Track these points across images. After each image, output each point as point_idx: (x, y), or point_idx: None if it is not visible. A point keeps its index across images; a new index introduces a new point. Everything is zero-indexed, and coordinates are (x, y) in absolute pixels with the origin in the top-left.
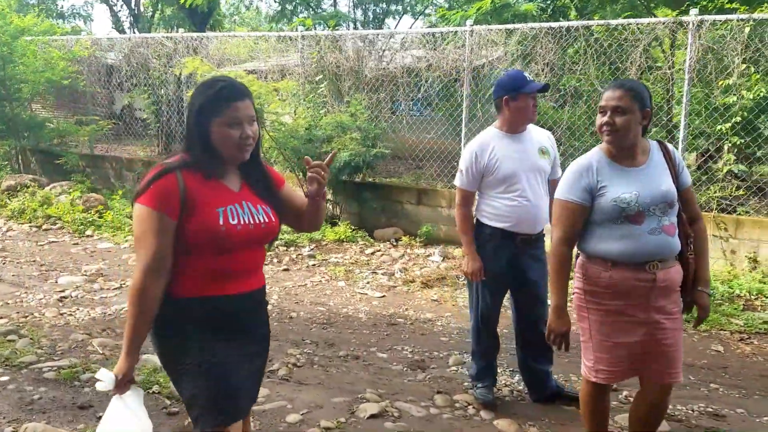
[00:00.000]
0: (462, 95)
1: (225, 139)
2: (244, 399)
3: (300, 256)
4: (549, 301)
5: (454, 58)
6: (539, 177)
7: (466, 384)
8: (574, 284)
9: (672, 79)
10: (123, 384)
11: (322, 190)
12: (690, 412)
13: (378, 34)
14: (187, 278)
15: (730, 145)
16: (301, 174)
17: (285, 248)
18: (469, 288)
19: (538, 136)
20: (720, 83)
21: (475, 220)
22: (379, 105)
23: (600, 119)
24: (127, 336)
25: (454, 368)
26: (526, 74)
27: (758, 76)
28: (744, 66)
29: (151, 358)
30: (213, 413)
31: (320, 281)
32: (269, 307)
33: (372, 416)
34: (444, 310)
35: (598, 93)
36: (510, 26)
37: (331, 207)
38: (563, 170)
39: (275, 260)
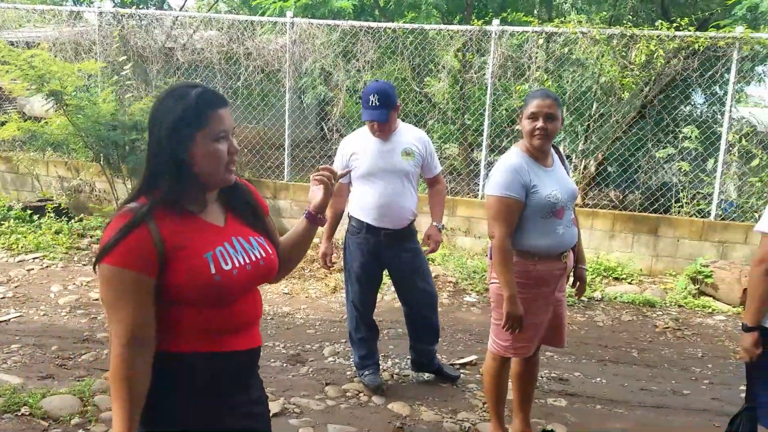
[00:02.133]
0: (285, 87)
1: (212, 157)
2: None
3: None
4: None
5: (276, 48)
6: (400, 176)
7: (349, 373)
8: (494, 276)
9: (477, 84)
10: None
11: (326, 206)
12: (540, 377)
13: (190, 17)
14: (177, 333)
15: None
16: (104, 163)
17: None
18: (345, 281)
19: (406, 137)
20: (517, 88)
21: (347, 214)
22: None
23: (532, 124)
24: (121, 426)
25: (331, 359)
26: (372, 97)
27: (550, 82)
28: (538, 73)
29: (4, 378)
30: None
31: None
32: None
33: (275, 415)
34: (298, 302)
35: (413, 91)
36: (331, 22)
37: None
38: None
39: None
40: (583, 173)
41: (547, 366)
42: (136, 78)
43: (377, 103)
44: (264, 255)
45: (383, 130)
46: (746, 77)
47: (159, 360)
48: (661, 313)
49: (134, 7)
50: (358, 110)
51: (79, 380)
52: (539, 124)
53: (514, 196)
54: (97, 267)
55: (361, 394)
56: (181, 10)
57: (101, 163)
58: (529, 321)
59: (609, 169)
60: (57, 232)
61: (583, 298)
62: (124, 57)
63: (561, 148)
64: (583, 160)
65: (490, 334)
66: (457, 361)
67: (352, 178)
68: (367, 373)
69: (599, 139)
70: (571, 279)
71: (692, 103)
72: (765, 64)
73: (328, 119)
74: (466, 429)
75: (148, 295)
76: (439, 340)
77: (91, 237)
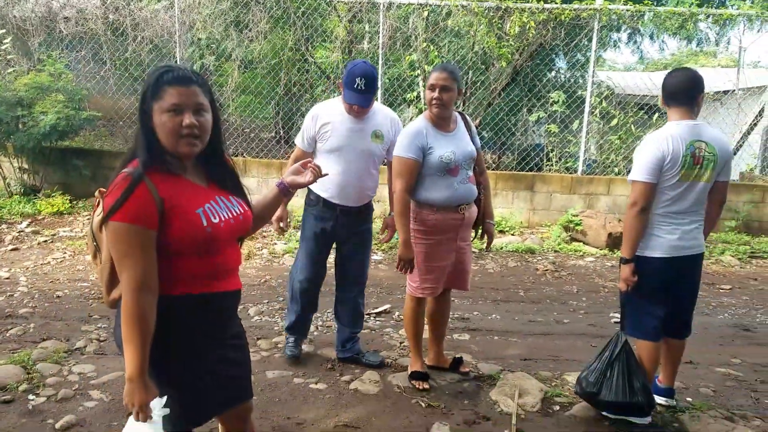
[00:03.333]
0: (176, 58)
1: (163, 127)
2: (219, 400)
3: (23, 234)
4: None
5: (164, 18)
6: (367, 157)
7: (276, 328)
8: None
9: (369, 54)
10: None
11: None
12: None
13: None
14: (173, 278)
15: (416, 111)
16: None
17: None
18: (299, 248)
19: (379, 119)
20: (407, 58)
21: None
22: (78, 65)
23: (430, 94)
24: (135, 363)
25: (257, 318)
26: (358, 80)
27: (436, 53)
28: (425, 44)
29: None
30: (176, 422)
31: (63, 257)
32: (22, 289)
33: None
34: None
35: (306, 61)
36: None
37: (26, 177)
38: None
39: None
40: None
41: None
42: (16, 52)
43: (363, 87)
44: (242, 212)
45: (361, 113)
46: (603, 43)
47: (160, 303)
48: (540, 258)
49: None
50: (250, 81)
51: (14, 352)
52: (435, 94)
53: (412, 157)
54: (104, 226)
55: (307, 328)
56: None
57: None
58: (433, 264)
59: (484, 133)
60: None
61: (474, 250)
62: (3, 30)
63: None
64: None
65: (407, 279)
66: (372, 311)
67: (317, 150)
68: (291, 339)
69: (475, 105)
70: (480, 233)
71: (558, 69)
72: (620, 32)
73: (217, 90)
74: (388, 363)
75: (152, 247)
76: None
77: None
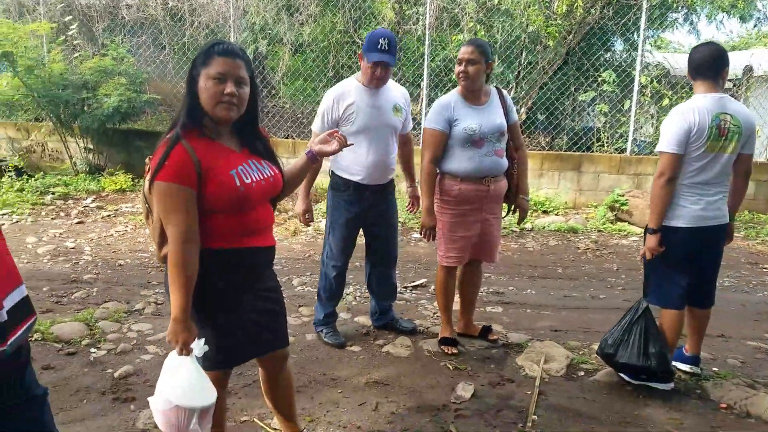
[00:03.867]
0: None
1: (205, 92)
2: (254, 344)
3: (88, 209)
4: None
5: (219, 3)
6: (391, 132)
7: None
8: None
9: (415, 35)
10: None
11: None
12: (480, 293)
13: None
14: (210, 234)
15: None
16: (55, 119)
17: (63, 201)
18: (326, 235)
19: (395, 93)
20: (453, 38)
21: (330, 171)
22: (139, 49)
23: (457, 68)
24: (180, 305)
25: (300, 288)
26: (381, 40)
27: (483, 32)
28: (471, 23)
29: None
30: (213, 361)
31: (125, 230)
32: (87, 258)
33: None
34: None
35: (355, 43)
36: None
37: (91, 156)
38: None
39: (62, 214)
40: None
41: (485, 284)
42: (82, 37)
43: (386, 47)
44: (273, 174)
45: (384, 76)
46: (661, 24)
47: (200, 256)
48: (583, 237)
49: None
50: (300, 65)
51: (78, 312)
52: (461, 68)
53: (438, 128)
54: (151, 186)
55: (337, 314)
56: None
57: (54, 122)
58: (457, 234)
59: (538, 115)
60: (20, 190)
61: (515, 228)
62: (70, 17)
63: None
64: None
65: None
66: (409, 284)
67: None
68: (327, 331)
69: (528, 86)
70: (513, 207)
71: (611, 49)
72: (677, 12)
73: (266, 75)
74: (420, 330)
75: (193, 203)
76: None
77: (53, 193)
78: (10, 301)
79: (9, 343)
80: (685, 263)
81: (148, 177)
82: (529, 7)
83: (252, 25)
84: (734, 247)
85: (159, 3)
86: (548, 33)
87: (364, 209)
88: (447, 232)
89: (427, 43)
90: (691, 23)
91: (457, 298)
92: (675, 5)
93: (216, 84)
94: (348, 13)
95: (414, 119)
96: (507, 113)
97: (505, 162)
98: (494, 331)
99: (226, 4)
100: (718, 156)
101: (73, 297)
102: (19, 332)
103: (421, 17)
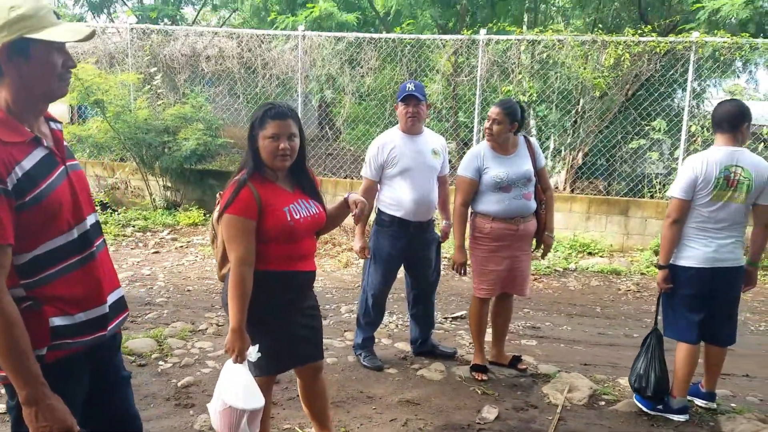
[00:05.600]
0: (298, 93)
1: (266, 149)
2: (295, 355)
3: (163, 240)
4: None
5: (289, 58)
6: (431, 173)
7: None
8: (469, 232)
9: (468, 85)
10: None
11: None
12: (517, 327)
13: (212, 32)
14: (264, 258)
15: None
16: (138, 160)
17: (142, 233)
18: (364, 267)
19: (432, 140)
20: (503, 89)
21: (376, 209)
22: (216, 98)
23: (486, 124)
24: (237, 317)
25: (347, 315)
26: (408, 85)
27: (531, 83)
28: (520, 75)
29: None
30: (260, 368)
31: (195, 260)
32: (160, 284)
33: None
34: (317, 275)
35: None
36: (338, 34)
37: (169, 194)
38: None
39: (140, 244)
40: (572, 164)
41: (522, 318)
42: (165, 86)
43: (413, 88)
44: (317, 212)
45: (417, 114)
46: (723, 73)
47: (255, 277)
48: (625, 279)
49: (161, 22)
50: (361, 111)
51: (149, 330)
52: (486, 125)
53: (468, 176)
54: (220, 217)
55: (375, 339)
56: (194, 23)
57: (137, 162)
58: (487, 268)
59: (597, 160)
60: (104, 223)
61: (558, 268)
62: (155, 68)
63: (552, 141)
64: (571, 152)
65: None
66: (450, 316)
67: (384, 176)
68: (366, 354)
69: (585, 132)
70: (538, 243)
71: (668, 99)
72: (728, 63)
73: (329, 119)
74: (457, 357)
75: (252, 234)
76: (435, 307)
77: (133, 227)
78: (111, 298)
79: (109, 329)
80: (698, 300)
81: (218, 209)
82: (576, 59)
83: (318, 77)
84: None
85: (235, 56)
86: (595, 84)
87: (407, 244)
88: (479, 266)
89: (478, 93)
90: (750, 72)
91: (490, 329)
92: (722, 57)
93: (272, 142)
94: (405, 66)
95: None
96: (534, 159)
97: (533, 204)
98: (524, 361)
99: (294, 59)
100: (726, 204)
101: (146, 317)
102: (116, 322)
103: (474, 69)
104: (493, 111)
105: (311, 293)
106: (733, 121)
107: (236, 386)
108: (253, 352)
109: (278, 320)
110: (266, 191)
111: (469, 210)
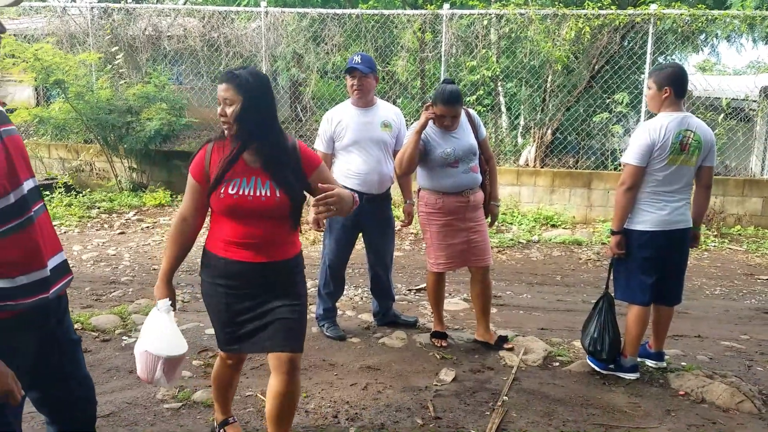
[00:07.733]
0: (263, 71)
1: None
2: (243, 341)
3: (129, 221)
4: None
5: (252, 35)
6: (380, 146)
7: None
8: (419, 209)
9: (431, 61)
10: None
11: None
12: None
13: (175, 10)
14: (213, 237)
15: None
16: (103, 141)
17: (108, 215)
18: (324, 239)
19: (385, 112)
20: (468, 64)
21: None
22: (180, 77)
23: (445, 122)
24: (164, 268)
25: (312, 289)
26: (355, 57)
27: (494, 58)
28: (484, 51)
29: None
30: (218, 342)
31: (161, 240)
32: (125, 263)
33: None
34: None
35: (378, 71)
36: (301, 10)
37: (135, 175)
38: None
39: (106, 226)
40: (542, 140)
41: None
42: (127, 66)
43: (359, 61)
44: (267, 195)
45: (362, 86)
46: (684, 47)
47: (202, 253)
48: (586, 249)
49: (123, 1)
50: (329, 90)
51: (114, 307)
52: (446, 122)
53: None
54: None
55: (337, 309)
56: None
57: (101, 144)
58: (444, 242)
59: (567, 135)
60: (68, 205)
61: (522, 240)
62: (116, 47)
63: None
64: (540, 129)
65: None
66: (414, 288)
67: (335, 149)
68: (329, 325)
69: (555, 108)
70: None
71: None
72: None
73: (301, 99)
74: (419, 326)
75: (196, 195)
76: (400, 278)
77: (98, 208)
78: (53, 262)
79: (51, 291)
80: (652, 263)
81: None
82: (538, 33)
83: (284, 54)
84: (733, 260)
85: (197, 35)
86: (557, 58)
87: (359, 216)
88: (434, 241)
89: (442, 69)
90: (712, 46)
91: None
92: (681, 30)
93: (219, 107)
94: (370, 43)
95: None
96: (477, 132)
97: (479, 176)
98: (510, 341)
99: (258, 36)
100: (680, 168)
101: (111, 295)
102: (59, 285)
103: (438, 44)
104: (448, 110)
105: (274, 286)
106: (685, 85)
107: (158, 333)
108: (164, 303)
109: (216, 302)
110: (220, 158)
111: (418, 186)
